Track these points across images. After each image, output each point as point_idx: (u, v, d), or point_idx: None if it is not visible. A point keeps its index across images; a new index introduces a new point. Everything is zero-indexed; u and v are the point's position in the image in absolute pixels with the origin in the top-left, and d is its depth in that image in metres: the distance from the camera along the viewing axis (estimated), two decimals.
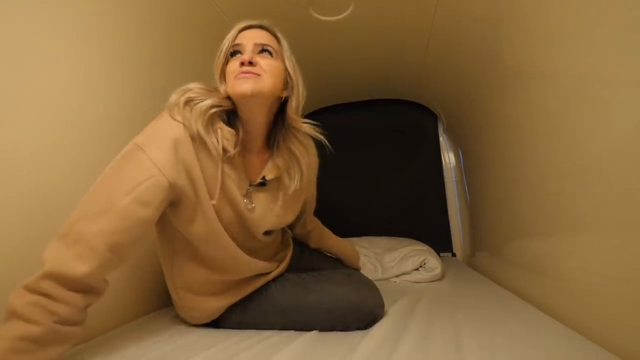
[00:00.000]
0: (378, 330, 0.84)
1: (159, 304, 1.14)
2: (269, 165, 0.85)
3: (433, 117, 2.34)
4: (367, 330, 0.85)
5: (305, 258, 1.17)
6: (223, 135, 0.75)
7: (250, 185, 0.84)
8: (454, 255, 2.17)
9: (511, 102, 1.18)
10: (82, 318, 0.63)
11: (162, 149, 0.69)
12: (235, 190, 0.80)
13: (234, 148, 0.76)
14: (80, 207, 0.65)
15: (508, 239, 1.38)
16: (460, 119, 1.92)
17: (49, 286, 0.58)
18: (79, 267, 0.60)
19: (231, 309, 0.91)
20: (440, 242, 2.13)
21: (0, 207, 0.69)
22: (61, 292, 0.59)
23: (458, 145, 2.17)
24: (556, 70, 0.86)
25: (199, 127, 0.71)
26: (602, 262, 0.75)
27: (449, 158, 2.28)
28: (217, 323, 0.93)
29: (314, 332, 0.85)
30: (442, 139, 2.32)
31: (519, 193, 1.21)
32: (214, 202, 0.75)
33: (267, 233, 0.92)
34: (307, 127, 0.83)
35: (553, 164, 0.93)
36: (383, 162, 2.39)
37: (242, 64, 0.73)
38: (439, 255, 1.66)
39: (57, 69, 0.83)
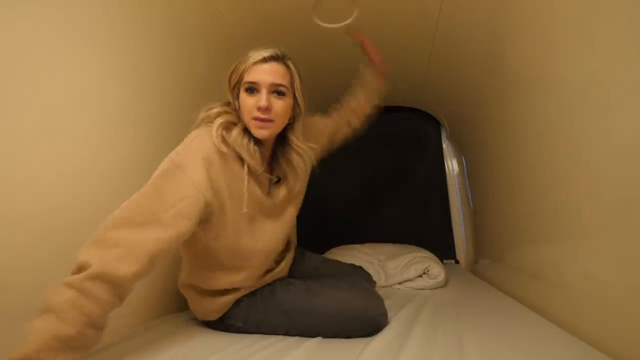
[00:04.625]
0: (382, 336, 0.84)
1: (170, 309, 1.15)
2: (274, 168, 0.95)
3: (436, 124, 2.34)
4: (370, 337, 0.85)
5: (306, 260, 1.20)
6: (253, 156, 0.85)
7: (270, 187, 0.94)
8: (457, 262, 2.17)
9: (514, 109, 1.18)
10: (105, 323, 0.65)
11: (197, 169, 0.76)
12: (261, 193, 0.89)
13: (262, 165, 0.87)
14: (119, 217, 0.69)
15: (511, 246, 1.38)
16: (463, 126, 1.93)
17: (93, 286, 0.61)
18: (125, 269, 0.64)
19: (237, 304, 0.93)
20: (443, 248, 2.12)
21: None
22: (102, 293, 0.62)
23: (461, 152, 2.17)
24: (559, 76, 0.87)
25: (242, 152, 0.82)
26: (605, 269, 0.75)
27: (452, 165, 2.28)
28: (222, 319, 0.95)
29: (318, 339, 0.86)
30: (446, 146, 2.32)
31: (522, 200, 1.21)
32: (244, 209, 0.83)
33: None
34: (305, 148, 0.93)
35: (556, 170, 0.94)
36: (386, 168, 2.39)
37: (259, 108, 0.81)
38: (442, 262, 1.66)
39: (79, 86, 0.86)
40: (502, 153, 1.38)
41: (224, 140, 0.81)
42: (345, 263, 1.30)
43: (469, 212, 2.12)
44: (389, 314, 0.96)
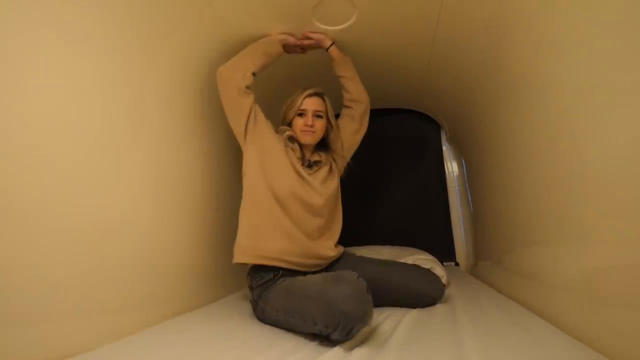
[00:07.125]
0: (380, 338, 0.83)
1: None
2: (314, 155, 1.34)
3: (436, 126, 2.35)
4: (368, 338, 0.84)
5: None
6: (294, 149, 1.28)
7: (308, 164, 1.31)
8: (457, 264, 2.16)
9: (513, 111, 1.18)
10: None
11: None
12: (297, 160, 1.26)
13: (299, 153, 1.29)
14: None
15: (511, 248, 1.38)
16: (463, 128, 1.93)
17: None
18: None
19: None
20: (443, 251, 2.12)
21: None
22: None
23: (461, 154, 2.17)
24: (558, 79, 0.87)
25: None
26: (605, 271, 0.75)
27: (452, 167, 2.28)
28: (255, 270, 1.15)
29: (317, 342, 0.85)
30: (445, 148, 2.32)
31: (521, 202, 1.21)
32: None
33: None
34: (338, 147, 1.36)
35: (555, 173, 0.94)
36: (386, 171, 2.39)
37: (306, 124, 1.25)
38: (442, 265, 1.65)
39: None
40: (502, 155, 1.38)
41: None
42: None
43: (469, 215, 2.12)
44: (389, 314, 0.96)
